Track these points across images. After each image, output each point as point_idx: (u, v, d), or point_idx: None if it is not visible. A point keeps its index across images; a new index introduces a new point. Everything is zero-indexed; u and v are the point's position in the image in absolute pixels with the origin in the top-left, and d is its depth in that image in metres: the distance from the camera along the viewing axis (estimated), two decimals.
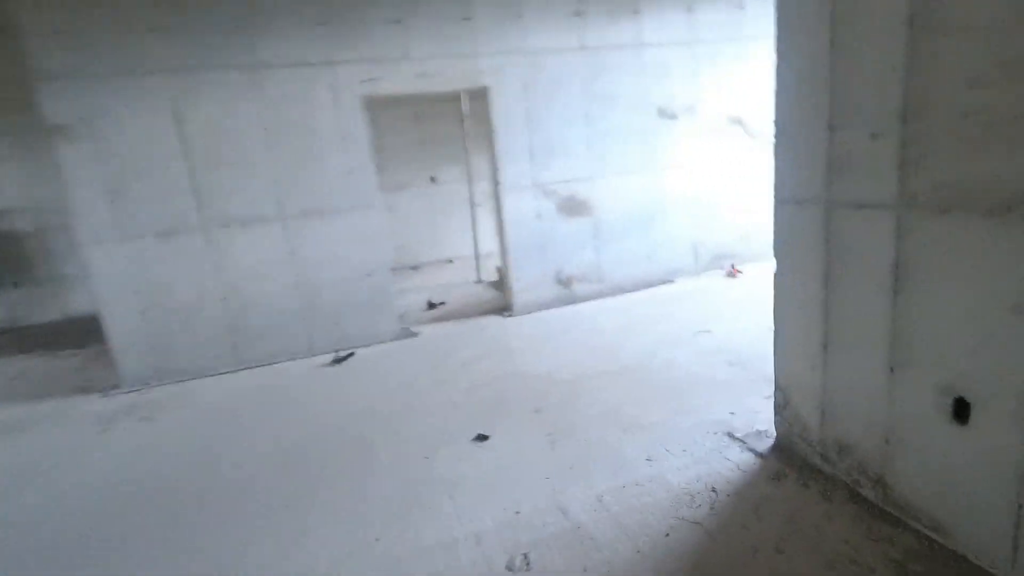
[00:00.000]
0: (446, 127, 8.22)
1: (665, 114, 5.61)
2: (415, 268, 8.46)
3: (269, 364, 4.75)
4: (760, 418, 2.92)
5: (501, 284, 6.11)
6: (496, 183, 5.24)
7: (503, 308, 5.63)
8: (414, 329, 5.31)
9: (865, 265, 2.04)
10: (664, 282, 5.90)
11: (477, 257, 7.19)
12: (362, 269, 4.92)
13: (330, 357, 4.70)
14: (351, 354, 4.71)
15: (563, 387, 3.65)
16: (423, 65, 4.76)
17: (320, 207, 4.72)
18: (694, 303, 5.15)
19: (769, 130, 6.00)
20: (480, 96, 5.18)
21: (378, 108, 7.91)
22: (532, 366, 4.08)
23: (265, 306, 4.74)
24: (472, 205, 7.04)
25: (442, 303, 6.18)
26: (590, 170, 5.45)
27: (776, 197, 2.40)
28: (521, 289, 5.44)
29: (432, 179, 8.42)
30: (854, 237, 2.07)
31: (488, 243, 7.63)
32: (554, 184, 5.36)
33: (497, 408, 3.46)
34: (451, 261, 8.64)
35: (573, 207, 5.46)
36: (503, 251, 5.44)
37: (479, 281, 7.16)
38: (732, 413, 3.03)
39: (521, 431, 3.13)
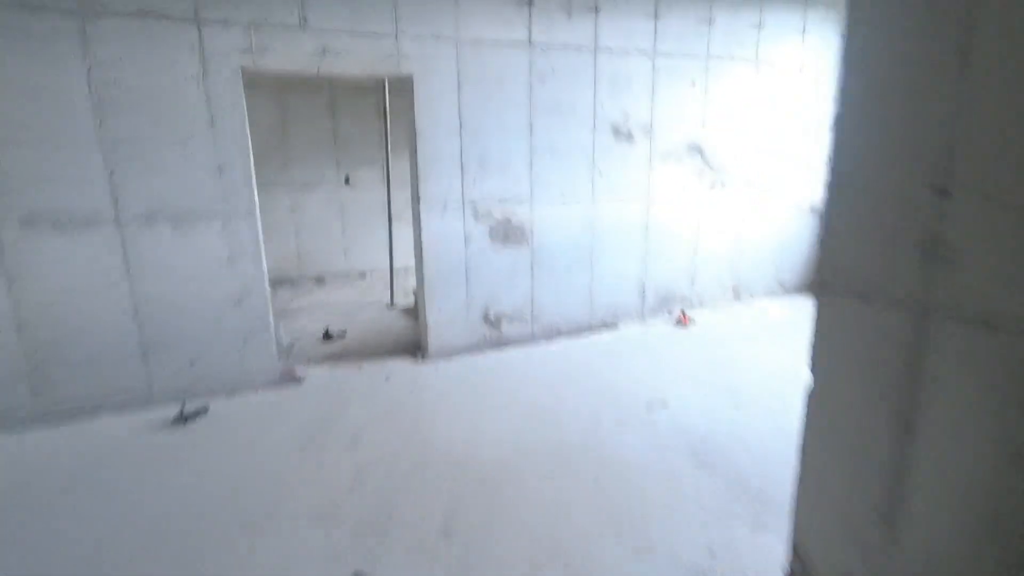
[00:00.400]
0: (367, 123, 7.11)
1: (620, 133, 4.85)
2: (319, 281, 7.26)
3: (86, 417, 3.48)
4: (749, 566, 2.12)
5: (417, 312, 5.10)
6: (416, 197, 4.25)
7: (416, 348, 4.63)
8: (299, 372, 4.19)
9: (988, 415, 1.26)
10: (606, 326, 5.12)
11: (392, 278, 6.13)
12: (230, 293, 3.76)
13: (175, 411, 3.50)
14: (202, 410, 3.53)
15: (483, 486, 2.72)
16: (327, 39, 3.70)
17: (174, 209, 3.53)
18: (643, 358, 4.39)
19: (731, 163, 5.42)
20: (404, 89, 4.18)
21: (286, 91, 6.68)
22: (445, 443, 3.12)
23: (87, 338, 3.47)
24: (389, 216, 5.98)
25: (342, 334, 5.08)
26: (531, 191, 4.58)
27: (823, 280, 1.59)
28: (439, 328, 4.47)
29: (347, 180, 7.26)
30: (970, 369, 1.28)
31: (407, 258, 6.59)
32: (488, 204, 4.44)
33: (389, 523, 2.46)
34: (364, 275, 7.51)
35: (508, 233, 4.56)
36: (419, 280, 4.45)
37: (392, 305, 6.11)
38: (712, 555, 2.21)
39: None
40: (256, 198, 3.77)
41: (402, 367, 4.31)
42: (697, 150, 5.27)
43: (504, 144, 4.40)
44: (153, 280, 3.55)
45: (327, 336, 5.01)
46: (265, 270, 3.87)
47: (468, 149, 4.28)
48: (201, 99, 3.46)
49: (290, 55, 3.63)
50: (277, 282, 7.05)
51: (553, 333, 4.92)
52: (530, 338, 4.81)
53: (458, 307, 4.50)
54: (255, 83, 6.43)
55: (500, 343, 4.69)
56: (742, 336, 4.88)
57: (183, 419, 3.42)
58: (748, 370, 4.11)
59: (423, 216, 4.25)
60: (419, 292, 4.49)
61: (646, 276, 5.30)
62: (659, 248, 5.29)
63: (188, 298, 3.65)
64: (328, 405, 3.66)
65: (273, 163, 6.77)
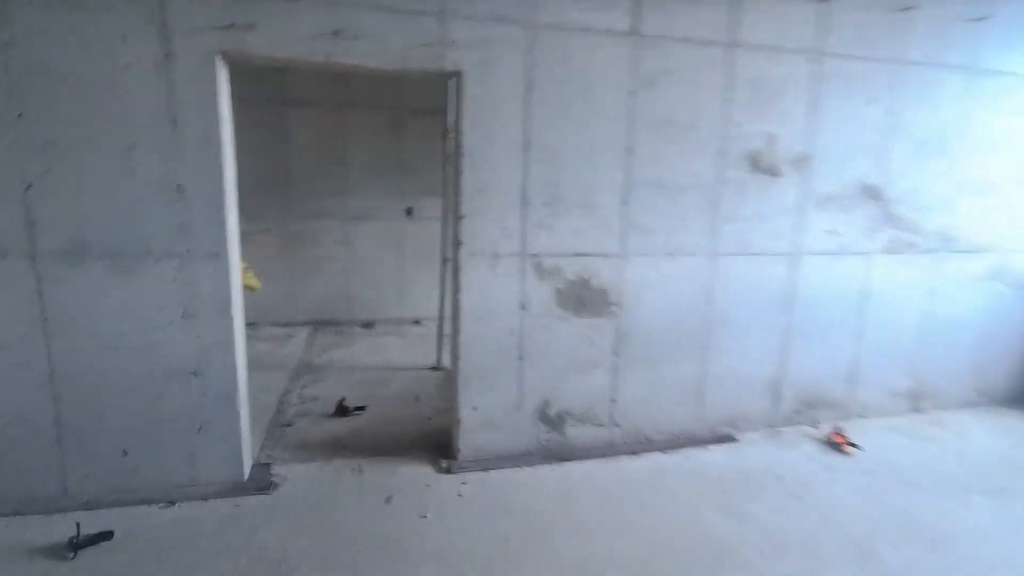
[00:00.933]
0: (435, 146, 6.10)
1: (760, 165, 3.37)
2: (368, 326, 6.24)
3: None
4: None
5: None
6: (457, 242, 3.02)
7: (445, 446, 3.33)
8: (276, 471, 3.03)
9: None
10: (719, 439, 3.55)
11: (440, 334, 4.94)
12: (182, 362, 2.69)
13: (87, 530, 2.43)
14: (103, 536, 2.42)
15: None
16: (341, 15, 2.61)
17: (111, 242, 2.53)
18: (782, 509, 2.79)
19: (922, 215, 3.51)
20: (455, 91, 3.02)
21: (345, 108, 5.83)
22: None
23: None
24: (443, 258, 4.82)
25: (360, 410, 3.92)
26: (622, 240, 3.20)
27: None
28: (476, 425, 3.16)
29: (409, 212, 6.27)
30: None
31: None
32: (557, 257, 3.12)
33: None
34: (418, 322, 6.41)
35: (585, 299, 3.20)
36: (454, 356, 3.18)
37: (438, 367, 4.91)
38: None
39: None
40: (232, 233, 2.71)
41: (416, 478, 3.02)
42: (873, 194, 3.64)
43: (587, 173, 3.08)
44: (77, 336, 2.56)
45: (340, 410, 3.86)
46: (236, 332, 2.78)
47: (535, 178, 3.01)
48: (159, 92, 2.48)
49: (287, 36, 2.57)
50: (320, 324, 6.13)
51: (641, 442, 3.43)
52: (607, 448, 3.36)
53: (505, 397, 3.17)
54: (309, 99, 5.65)
55: (563, 453, 3.28)
56: (945, 482, 3.11)
57: (75, 546, 2.34)
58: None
59: (464, 268, 3.00)
60: (453, 372, 3.22)
61: (784, 369, 3.68)
62: (807, 330, 3.67)
63: (124, 364, 2.63)
64: (286, 541, 2.43)
65: (328, 190, 5.92)
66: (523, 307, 3.11)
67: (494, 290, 3.05)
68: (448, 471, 3.10)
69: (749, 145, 3.33)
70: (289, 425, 3.69)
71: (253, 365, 4.87)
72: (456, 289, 3.05)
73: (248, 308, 5.95)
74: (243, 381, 2.88)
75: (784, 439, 3.62)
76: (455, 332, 3.11)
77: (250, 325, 5.98)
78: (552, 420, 3.27)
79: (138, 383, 2.66)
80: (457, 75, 2.83)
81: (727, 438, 3.58)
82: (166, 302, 2.63)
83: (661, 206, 3.24)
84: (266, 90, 5.55)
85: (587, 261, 3.16)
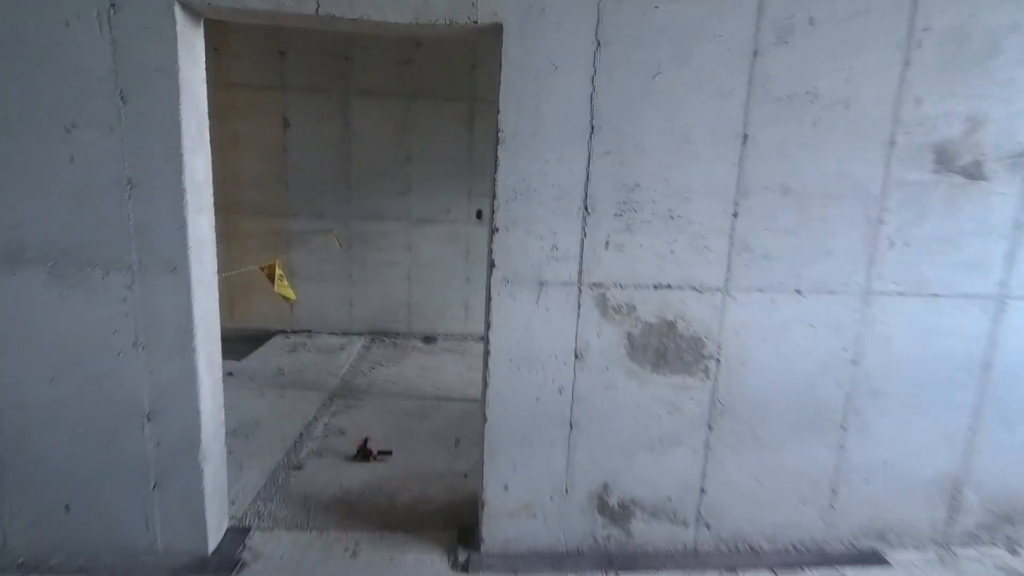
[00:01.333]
0: None
1: (952, 162, 2.24)
2: (428, 341, 5.63)
3: None
4: None
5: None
6: (490, 262, 2.23)
7: (469, 529, 2.55)
8: (253, 541, 2.40)
9: None
10: (861, 558, 2.45)
11: None
12: (133, 400, 2.13)
13: None
14: None
15: None
16: None
17: (51, 244, 2.02)
18: None
19: None
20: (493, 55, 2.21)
21: (413, 98, 5.24)
22: None
23: None
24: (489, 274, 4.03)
25: (384, 455, 3.24)
26: (727, 267, 2.23)
27: None
28: (508, 509, 2.34)
29: (479, 215, 5.57)
30: None
31: None
32: (630, 288, 2.21)
33: None
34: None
35: (667, 349, 2.27)
36: (482, 416, 2.38)
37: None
38: None
39: None
40: (199, 241, 2.10)
41: (421, 574, 2.26)
42: None
43: (679, 171, 2.15)
44: (11, 362, 2.07)
45: (362, 453, 3.21)
46: (201, 369, 2.16)
47: (601, 176, 2.13)
48: (103, 56, 1.91)
49: None
50: (377, 335, 5.60)
51: (741, 553, 2.43)
52: (690, 556, 2.40)
53: (548, 477, 2.33)
54: (374, 88, 5.12)
55: (625, 557, 2.37)
56: None
57: None
58: None
59: (497, 299, 2.21)
60: (481, 436, 2.42)
61: (969, 466, 2.49)
62: (1009, 411, 2.46)
63: (67, 399, 2.11)
64: None
65: (391, 189, 5.37)
66: (578, 356, 2.24)
67: (538, 331, 2.21)
68: (465, 569, 2.30)
69: (936, 133, 2.21)
70: (299, 468, 3.09)
71: (291, 383, 4.42)
72: (486, 325, 2.25)
73: (304, 314, 5.61)
74: (212, 429, 2.28)
75: (963, 567, 2.44)
76: (484, 384, 2.31)
77: (305, 332, 5.63)
78: (613, 511, 2.37)
79: (83, 424, 2.13)
80: (497, 28, 2.03)
81: (872, 557, 2.47)
82: (117, 325, 2.07)
83: (788, 220, 2.23)
84: (330, 79, 5.10)
85: (673, 296, 2.22)
